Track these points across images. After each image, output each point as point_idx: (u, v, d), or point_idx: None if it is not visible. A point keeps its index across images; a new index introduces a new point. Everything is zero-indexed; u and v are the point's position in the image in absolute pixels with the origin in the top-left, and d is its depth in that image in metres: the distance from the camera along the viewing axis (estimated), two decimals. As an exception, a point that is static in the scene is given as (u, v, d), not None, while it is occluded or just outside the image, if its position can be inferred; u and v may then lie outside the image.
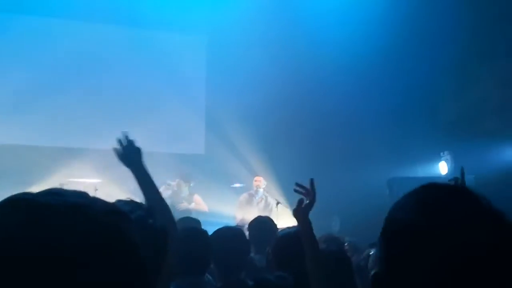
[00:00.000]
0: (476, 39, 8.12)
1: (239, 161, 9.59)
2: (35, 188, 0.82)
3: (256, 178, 8.40)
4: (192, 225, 3.33)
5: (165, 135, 9.71)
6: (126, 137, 2.37)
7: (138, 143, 2.40)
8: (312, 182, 2.44)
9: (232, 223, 7.34)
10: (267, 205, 8.07)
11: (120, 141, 2.36)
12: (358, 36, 8.72)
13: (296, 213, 2.40)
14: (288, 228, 3.06)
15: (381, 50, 8.72)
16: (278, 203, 7.80)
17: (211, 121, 10.07)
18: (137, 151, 2.34)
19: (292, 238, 2.75)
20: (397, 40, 8.66)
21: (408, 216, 1.01)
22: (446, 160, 9.03)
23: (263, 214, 6.39)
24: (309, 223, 2.39)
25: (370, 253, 3.63)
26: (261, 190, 8.17)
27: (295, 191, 2.46)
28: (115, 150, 2.37)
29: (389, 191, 7.97)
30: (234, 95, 9.58)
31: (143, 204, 1.92)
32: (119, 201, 1.92)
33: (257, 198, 8.16)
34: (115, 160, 2.41)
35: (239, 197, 8.39)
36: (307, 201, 2.41)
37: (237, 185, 9.02)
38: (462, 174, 2.96)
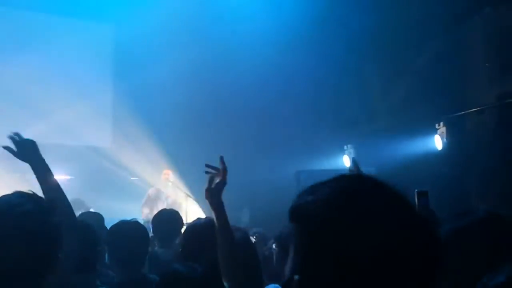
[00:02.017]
0: (376, 43, 8.54)
1: (147, 154, 9.39)
2: None
3: (164, 171, 8.26)
4: (92, 220, 3.17)
5: (70, 127, 9.28)
6: (17, 134, 2.37)
7: (42, 135, 2.38)
8: (221, 159, 2.39)
9: (140, 218, 7.17)
10: (176, 199, 7.96)
11: (12, 138, 2.34)
12: (268, 29, 8.83)
13: (209, 193, 2.33)
14: (198, 219, 3.02)
15: (289, 44, 8.91)
16: (187, 196, 7.72)
17: (118, 114, 9.77)
18: (32, 144, 2.32)
19: (200, 228, 2.72)
20: (307, 36, 8.88)
21: (329, 215, 0.96)
22: (349, 154, 9.44)
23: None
24: (222, 203, 2.32)
25: (273, 245, 3.69)
26: (169, 183, 8.03)
27: (206, 172, 2.40)
28: (7, 147, 2.34)
29: (297, 183, 8.19)
30: (142, 87, 9.35)
31: (41, 198, 1.82)
32: (16, 192, 1.81)
33: (165, 192, 8.02)
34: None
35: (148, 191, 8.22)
36: (218, 180, 2.34)
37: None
38: (356, 165, 3.03)
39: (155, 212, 6.69)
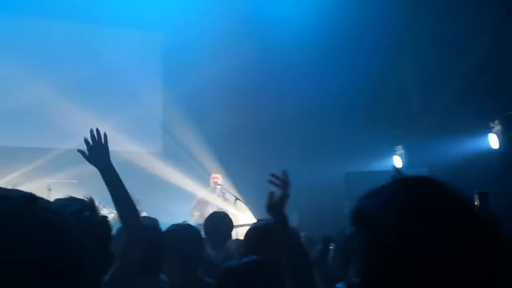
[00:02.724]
0: (425, 35, 8.35)
1: (196, 158, 9.53)
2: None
3: (213, 175, 8.33)
4: (148, 224, 3.25)
5: (122, 133, 9.54)
6: (94, 136, 2.35)
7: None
8: (286, 173, 2.30)
9: (190, 221, 7.25)
10: (225, 202, 8.01)
11: (87, 141, 2.34)
12: (313, 32, 8.79)
13: (270, 209, 2.26)
14: (259, 221, 3.04)
15: (337, 45, 8.83)
16: (236, 199, 7.76)
17: (169, 119, 9.97)
18: (105, 150, 2.32)
19: (261, 230, 2.75)
20: (352, 36, 8.78)
21: (400, 225, 0.97)
22: (400, 154, 9.26)
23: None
24: (285, 218, 2.26)
25: (330, 247, 3.67)
26: (218, 187, 8.09)
27: (270, 182, 2.31)
28: (81, 151, 2.36)
29: (346, 185, 8.08)
30: (190, 93, 9.50)
31: (83, 200, 1.90)
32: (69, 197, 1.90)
33: (215, 195, 8.09)
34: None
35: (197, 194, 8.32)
36: (281, 194, 2.27)
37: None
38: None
39: (206, 215, 6.79)
